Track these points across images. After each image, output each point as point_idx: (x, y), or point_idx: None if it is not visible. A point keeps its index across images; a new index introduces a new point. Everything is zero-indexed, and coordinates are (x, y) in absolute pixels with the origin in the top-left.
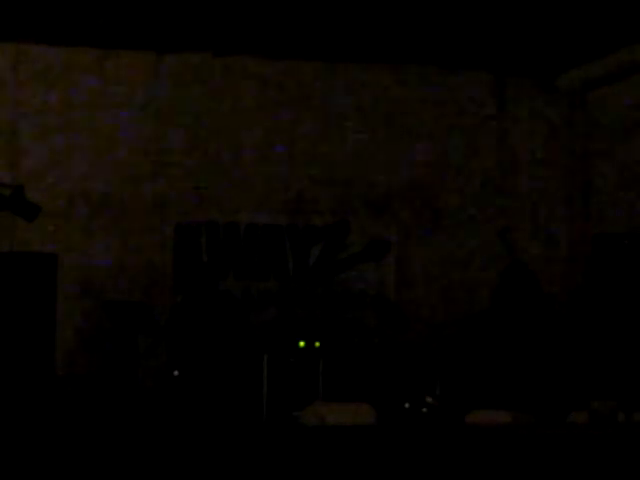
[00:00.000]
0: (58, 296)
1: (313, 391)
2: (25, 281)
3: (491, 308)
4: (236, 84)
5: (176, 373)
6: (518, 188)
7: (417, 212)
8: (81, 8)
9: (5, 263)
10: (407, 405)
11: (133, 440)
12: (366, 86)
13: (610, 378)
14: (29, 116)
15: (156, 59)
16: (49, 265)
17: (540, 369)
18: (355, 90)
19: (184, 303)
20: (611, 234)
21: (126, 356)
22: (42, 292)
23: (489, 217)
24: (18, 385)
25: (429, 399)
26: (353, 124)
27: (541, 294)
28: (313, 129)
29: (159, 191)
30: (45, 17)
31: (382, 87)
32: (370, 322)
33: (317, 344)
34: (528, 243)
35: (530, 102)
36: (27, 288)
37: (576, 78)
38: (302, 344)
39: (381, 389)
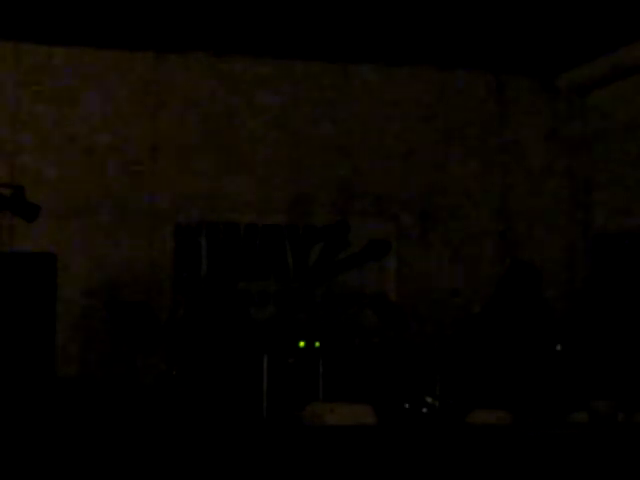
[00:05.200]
0: (58, 296)
1: (313, 391)
2: (25, 281)
3: (491, 307)
4: (237, 83)
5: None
6: (518, 188)
7: (417, 213)
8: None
9: (5, 263)
10: (407, 405)
11: (133, 440)
12: (366, 87)
13: (610, 378)
14: (29, 116)
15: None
16: (49, 265)
17: (540, 369)
18: (356, 90)
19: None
20: (611, 234)
21: (126, 356)
22: (42, 292)
23: (489, 218)
24: (18, 385)
25: (429, 399)
26: (355, 125)
27: (541, 294)
28: (315, 128)
29: (159, 191)
30: (45, 17)
31: (381, 87)
32: (370, 322)
33: (317, 344)
34: (528, 243)
35: (530, 102)
36: (27, 288)
37: (576, 78)
38: (302, 344)
39: (381, 389)
